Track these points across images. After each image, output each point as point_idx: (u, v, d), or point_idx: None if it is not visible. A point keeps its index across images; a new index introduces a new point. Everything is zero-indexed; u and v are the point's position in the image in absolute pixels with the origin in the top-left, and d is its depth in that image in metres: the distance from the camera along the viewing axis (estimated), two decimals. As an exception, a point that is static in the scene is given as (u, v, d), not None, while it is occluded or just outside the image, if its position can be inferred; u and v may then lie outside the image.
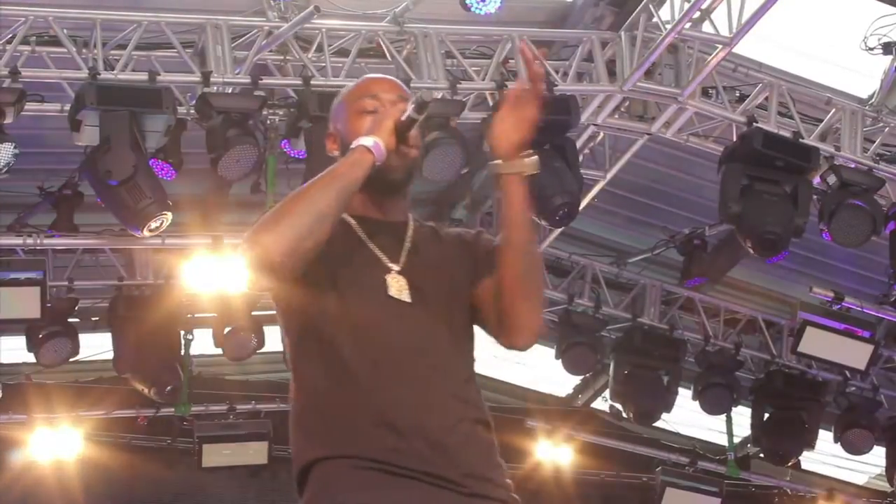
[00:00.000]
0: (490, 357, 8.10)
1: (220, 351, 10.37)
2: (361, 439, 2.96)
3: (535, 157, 3.10)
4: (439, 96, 8.34)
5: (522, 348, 3.18)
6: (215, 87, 8.04)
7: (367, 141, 3.04)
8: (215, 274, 9.60)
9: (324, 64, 8.23)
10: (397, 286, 3.10)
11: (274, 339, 10.32)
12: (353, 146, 3.06)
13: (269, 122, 8.35)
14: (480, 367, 3.24)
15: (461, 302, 3.18)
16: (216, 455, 11.58)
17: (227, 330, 10.18)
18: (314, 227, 2.92)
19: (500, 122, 3.09)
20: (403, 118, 3.08)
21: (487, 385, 11.43)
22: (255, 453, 11.64)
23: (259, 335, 10.27)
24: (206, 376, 11.91)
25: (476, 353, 3.23)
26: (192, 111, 8.10)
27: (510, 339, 3.16)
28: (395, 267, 3.13)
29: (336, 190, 2.97)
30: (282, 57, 8.35)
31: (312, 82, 8.16)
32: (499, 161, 3.09)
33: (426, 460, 2.95)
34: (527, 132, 3.08)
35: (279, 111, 8.36)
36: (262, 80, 8.15)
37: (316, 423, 3.03)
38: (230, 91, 8.13)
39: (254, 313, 10.23)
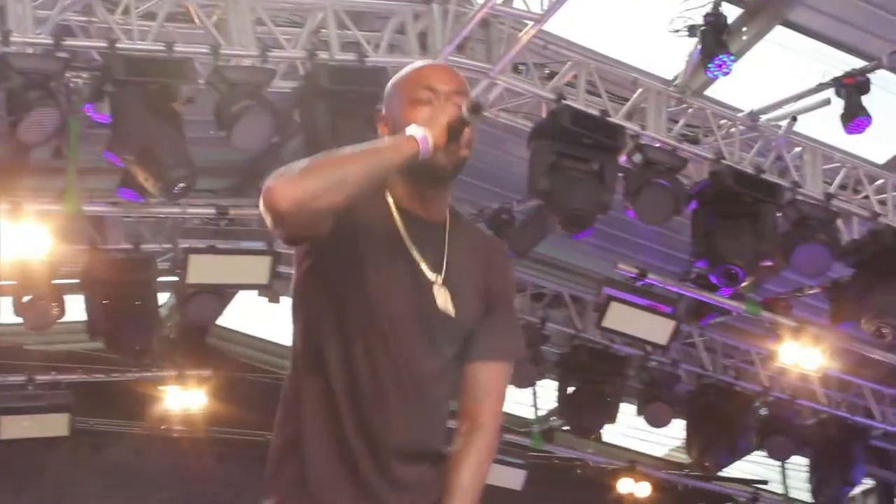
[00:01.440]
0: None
1: (19, 320, 10.08)
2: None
3: None
4: (249, 64, 8.23)
5: None
6: (15, 48, 7.77)
7: (417, 132, 2.99)
8: (15, 241, 9.31)
9: (130, 27, 8.03)
10: (443, 298, 3.12)
11: (76, 309, 10.08)
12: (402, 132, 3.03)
13: (72, 84, 8.11)
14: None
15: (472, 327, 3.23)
16: (15, 427, 11.28)
17: (26, 298, 9.90)
18: (332, 189, 2.88)
19: None
20: (456, 119, 3.03)
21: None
22: (55, 425, 11.37)
23: (60, 304, 10.00)
24: (4, 346, 11.59)
25: None
26: (-9, 71, 7.83)
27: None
28: (438, 278, 3.12)
29: (368, 164, 2.94)
30: (86, 18, 8.11)
31: (118, 45, 7.95)
32: None
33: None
34: None
35: (83, 74, 8.12)
36: (65, 41, 7.90)
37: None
38: (31, 52, 7.88)
39: (55, 282, 9.96)
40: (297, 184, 2.86)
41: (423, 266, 3.12)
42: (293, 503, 3.08)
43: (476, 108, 3.02)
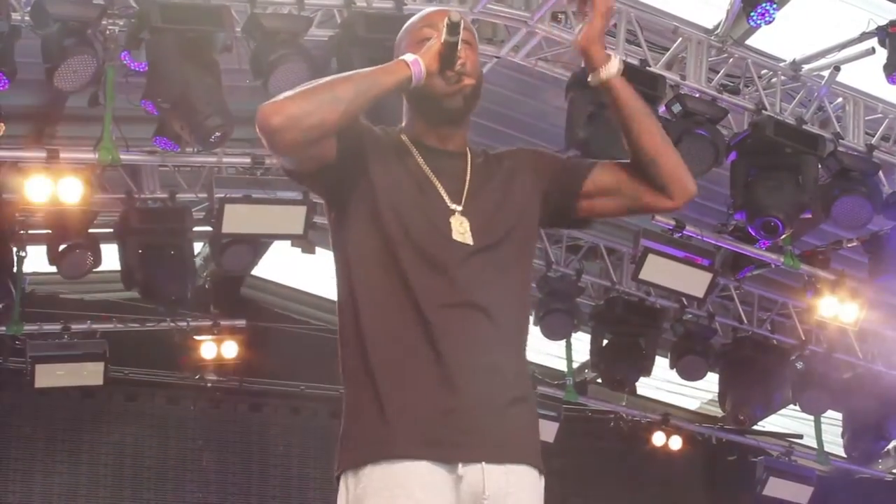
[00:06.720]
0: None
1: (54, 269, 10.08)
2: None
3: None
4: (285, 11, 8.17)
5: (682, 206, 3.33)
6: (52, -6, 7.74)
7: (408, 56, 3.10)
8: (50, 189, 9.30)
9: (167, -26, 7.98)
10: (461, 229, 3.12)
11: (111, 258, 10.07)
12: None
13: (108, 32, 8.07)
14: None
15: (527, 234, 3.24)
16: (50, 376, 11.29)
17: (62, 247, 9.90)
18: (324, 107, 2.98)
19: (593, 30, 3.26)
20: (442, 42, 3.09)
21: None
22: (90, 374, 11.38)
23: (96, 253, 10.00)
24: (39, 294, 11.61)
25: None
26: (27, 18, 7.78)
27: (672, 197, 3.32)
28: (458, 207, 3.14)
29: (360, 84, 3.06)
30: (123, -35, 8.08)
31: (154, -9, 7.91)
32: (600, 73, 3.30)
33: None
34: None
35: (119, 21, 8.08)
36: (102, -13, 7.88)
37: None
38: (68, -2, 7.85)
39: (90, 231, 9.96)
40: (291, 101, 2.99)
41: (443, 193, 3.15)
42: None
43: (453, 27, 3.07)
